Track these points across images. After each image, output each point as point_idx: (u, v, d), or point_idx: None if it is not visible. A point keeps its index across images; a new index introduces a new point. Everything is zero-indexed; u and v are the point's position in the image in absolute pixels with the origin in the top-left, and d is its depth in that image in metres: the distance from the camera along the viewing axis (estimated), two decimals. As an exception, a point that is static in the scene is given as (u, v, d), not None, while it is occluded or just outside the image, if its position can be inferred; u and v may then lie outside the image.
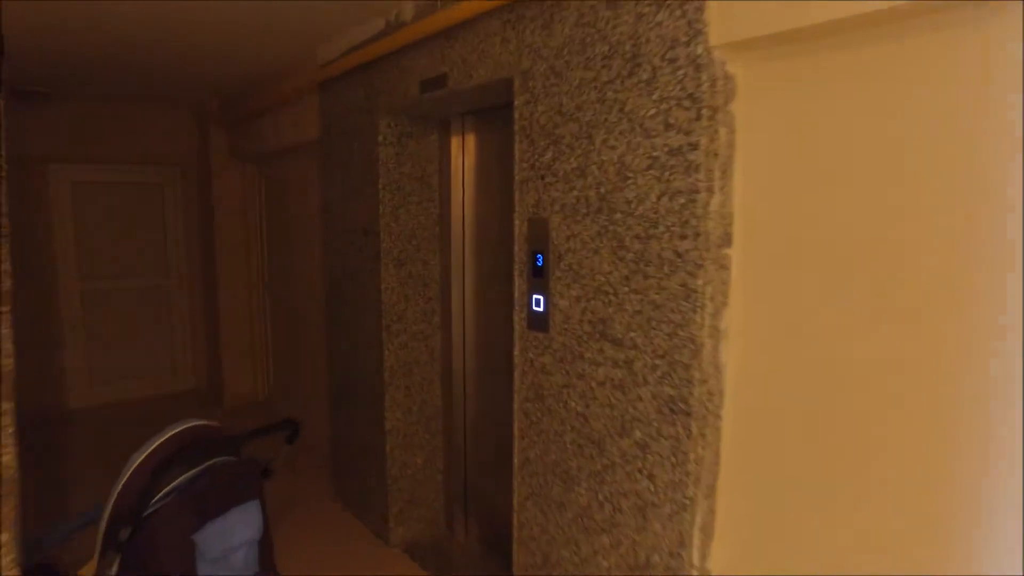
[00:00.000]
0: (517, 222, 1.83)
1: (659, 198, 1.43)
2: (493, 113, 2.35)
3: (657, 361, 1.47)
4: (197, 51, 3.02)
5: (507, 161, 2.28)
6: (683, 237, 1.39)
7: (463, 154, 2.52)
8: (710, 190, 1.36)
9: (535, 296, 1.78)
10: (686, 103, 1.36)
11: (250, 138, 4.10)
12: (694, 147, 1.36)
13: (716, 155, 1.35)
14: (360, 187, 2.65)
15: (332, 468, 3.17)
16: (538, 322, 1.78)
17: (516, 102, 1.80)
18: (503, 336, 2.42)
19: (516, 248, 1.84)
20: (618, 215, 1.53)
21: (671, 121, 1.40)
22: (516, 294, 1.85)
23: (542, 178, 1.73)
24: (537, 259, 1.76)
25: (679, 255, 1.40)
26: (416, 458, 2.73)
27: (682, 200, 1.39)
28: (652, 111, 1.43)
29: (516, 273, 1.85)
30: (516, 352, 1.88)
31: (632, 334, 1.52)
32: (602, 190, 1.56)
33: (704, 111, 1.33)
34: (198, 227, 4.94)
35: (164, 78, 3.67)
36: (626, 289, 1.53)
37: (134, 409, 4.65)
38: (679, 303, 1.41)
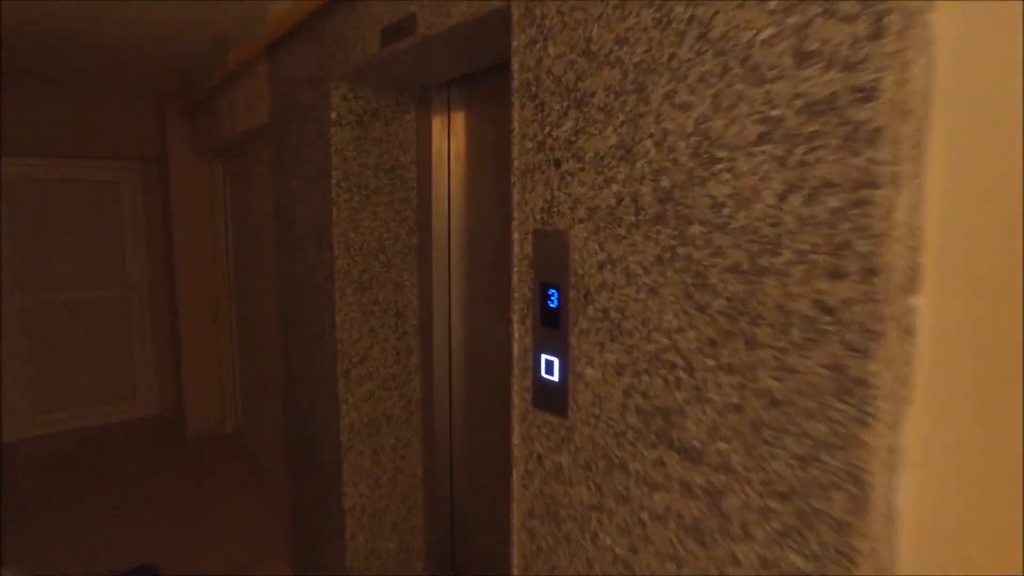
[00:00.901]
0: (516, 236, 1.14)
1: (784, 197, 0.74)
2: (490, 79, 1.66)
3: (773, 504, 0.78)
4: (142, 22, 2.36)
5: (510, 146, 1.59)
6: (838, 274, 0.70)
7: (449, 138, 1.84)
8: (896, 182, 0.66)
9: (544, 356, 1.10)
10: (847, 4, 0.67)
11: (208, 126, 3.44)
12: (865, 94, 0.66)
13: (906, 112, 0.66)
14: (311, 183, 1.98)
15: (292, 548, 2.50)
16: (550, 399, 1.10)
17: (515, 43, 1.12)
18: (506, 383, 1.73)
19: (514, 278, 1.15)
20: (696, 228, 0.84)
21: (811, 45, 0.70)
22: (515, 350, 1.17)
23: (556, 164, 1.04)
24: (548, 297, 1.08)
25: (827, 309, 0.71)
26: (388, 543, 2.05)
27: (837, 201, 0.70)
28: (770, 29, 0.74)
29: (515, 318, 1.16)
30: (515, 440, 1.19)
31: (722, 445, 0.84)
32: (665, 183, 0.87)
33: (889, 22, 0.64)
34: (161, 230, 4.29)
35: (116, 60, 3.03)
36: (711, 363, 0.84)
37: (84, 441, 4.02)
38: (826, 401, 0.72)
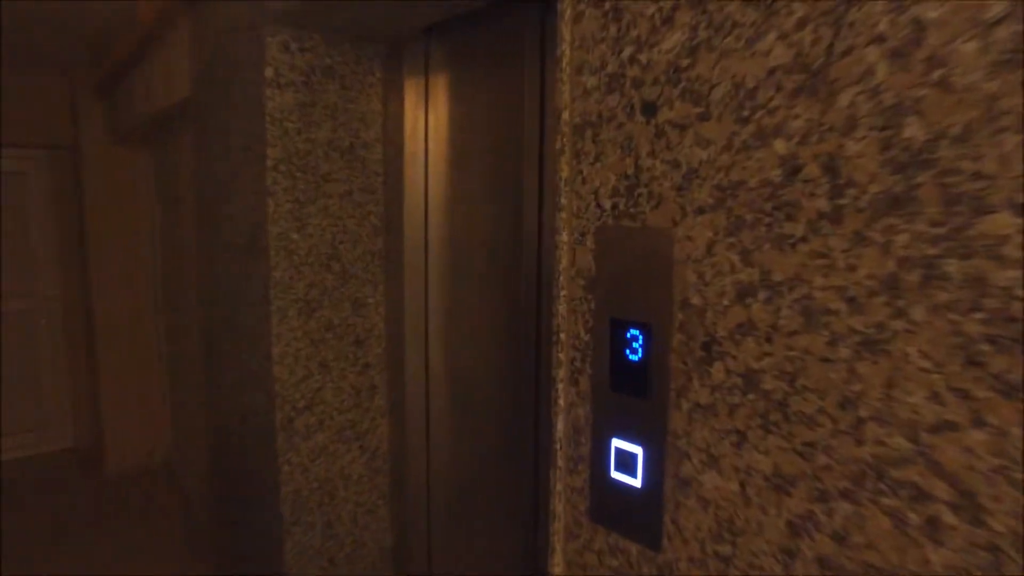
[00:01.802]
0: (563, 238, 0.68)
1: None
2: (485, 25, 1.20)
3: None
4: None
5: (515, 115, 1.14)
6: None
7: (427, 108, 1.37)
8: None
9: (617, 443, 0.65)
10: None
11: (125, 106, 2.88)
12: None
13: None
14: (240, 168, 1.49)
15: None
16: (625, 513, 0.65)
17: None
18: (512, 440, 1.28)
19: (559, 309, 0.70)
20: (1004, 217, 0.40)
21: None
22: (559, 427, 0.71)
23: (648, 111, 0.59)
24: (627, 343, 0.63)
25: None
26: (345, 641, 1.56)
27: None
28: None
29: (558, 373, 0.70)
30: (555, 571, 0.73)
31: (1054, 675, 0.40)
32: (914, 131, 0.43)
33: None
34: (76, 232, 3.67)
35: (15, 23, 2.45)
36: (1033, 504, 0.40)
37: (-24, 482, 3.37)
38: None
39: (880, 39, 0.44)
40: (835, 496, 0.49)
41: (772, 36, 0.49)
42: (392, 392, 1.54)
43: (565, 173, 0.67)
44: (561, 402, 0.70)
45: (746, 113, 0.51)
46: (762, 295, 0.52)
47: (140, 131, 2.96)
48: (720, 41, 0.53)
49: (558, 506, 0.72)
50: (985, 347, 0.41)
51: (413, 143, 1.40)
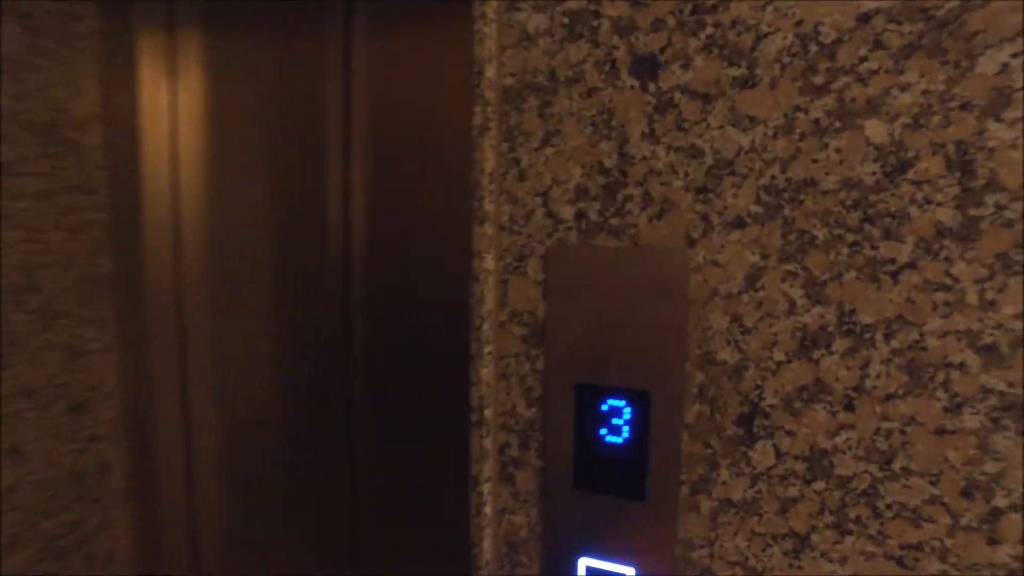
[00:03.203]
0: (481, 265, 0.45)
1: None
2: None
3: None
4: None
5: (313, 89, 0.84)
6: None
7: (176, 76, 0.97)
8: None
9: (589, 562, 0.44)
10: None
11: None
12: None
13: None
14: None
15: None
16: (606, 663, 0.44)
17: None
18: (308, 520, 0.96)
19: (481, 369, 0.46)
20: None
21: None
22: (484, 544, 0.48)
23: (648, 70, 0.40)
24: (603, 419, 0.42)
25: None
26: None
27: None
28: None
29: (484, 465, 0.47)
30: None
31: None
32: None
33: None
34: None
35: None
36: None
37: None
38: None
39: (1048, -23, 0.30)
40: (957, 621, 0.35)
41: (866, -35, 0.33)
42: (134, 470, 1.10)
43: (489, 163, 0.43)
44: (487, 509, 0.47)
45: (820, 79, 0.35)
46: (841, 344, 0.36)
47: None
48: (777, -33, 0.35)
49: (486, 660, 0.48)
50: None
51: (154, 126, 1.00)
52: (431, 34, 0.65)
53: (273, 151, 0.92)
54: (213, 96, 0.97)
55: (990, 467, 0.34)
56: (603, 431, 0.43)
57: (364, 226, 0.81)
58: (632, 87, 0.39)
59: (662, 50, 0.38)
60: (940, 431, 0.35)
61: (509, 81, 0.43)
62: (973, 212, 0.33)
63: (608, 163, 0.41)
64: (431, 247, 0.68)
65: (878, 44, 0.33)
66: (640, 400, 0.41)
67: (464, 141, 0.58)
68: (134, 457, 1.16)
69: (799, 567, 0.39)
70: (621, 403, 0.42)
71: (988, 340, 0.33)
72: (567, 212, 0.42)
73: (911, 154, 0.33)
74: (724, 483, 0.40)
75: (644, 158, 0.39)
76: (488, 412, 0.46)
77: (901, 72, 0.33)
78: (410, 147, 0.72)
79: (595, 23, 0.40)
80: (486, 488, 0.47)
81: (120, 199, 1.10)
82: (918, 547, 0.36)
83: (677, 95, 0.38)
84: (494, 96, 0.43)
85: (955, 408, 0.34)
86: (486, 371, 0.46)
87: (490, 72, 0.43)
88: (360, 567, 0.85)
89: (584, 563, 0.44)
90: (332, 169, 0.84)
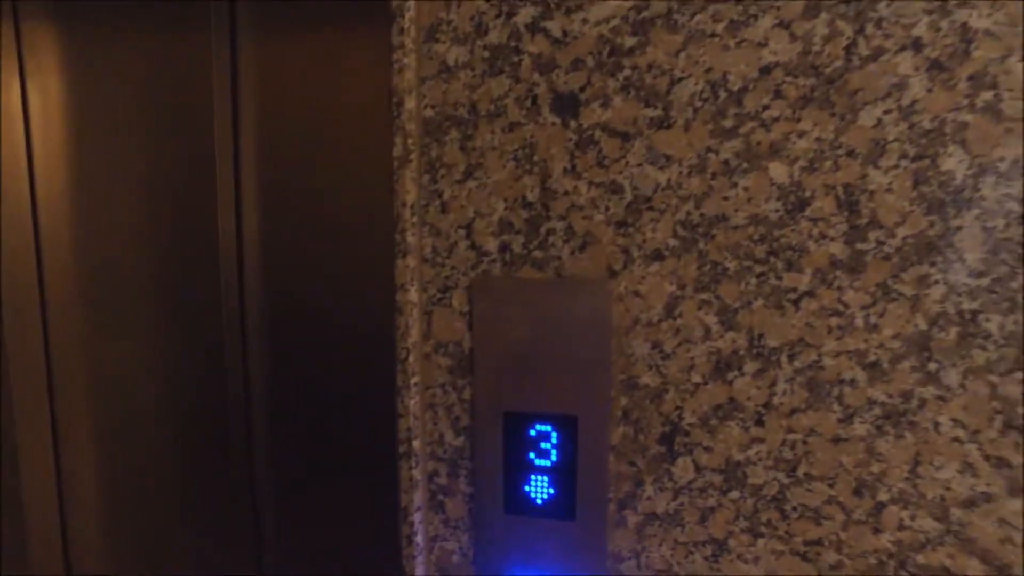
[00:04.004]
0: (414, 296, 0.44)
1: None
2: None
3: None
4: None
5: (197, 94, 0.78)
6: None
7: (23, 78, 0.85)
8: None
9: (526, 584, 0.45)
10: None
11: None
12: None
13: None
14: None
15: None
16: None
17: None
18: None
19: (408, 401, 0.45)
20: None
21: None
22: (416, 573, 0.47)
23: (569, 108, 0.40)
24: (533, 444, 0.43)
25: None
26: None
27: None
28: None
29: (413, 496, 0.46)
30: None
31: None
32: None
33: None
34: None
35: None
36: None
37: None
38: None
39: (916, 44, 0.35)
40: (855, 604, 0.40)
41: (768, 22, 0.36)
42: (-19, 521, 0.96)
43: (411, 195, 0.43)
44: (418, 539, 0.46)
45: (728, 123, 0.37)
46: (751, 366, 0.39)
47: None
48: (688, 18, 0.37)
49: None
50: None
51: (8, 139, 0.87)
52: (327, 36, 0.62)
53: (153, 160, 0.84)
54: (73, 99, 0.87)
55: (875, 468, 0.39)
56: (532, 455, 0.44)
57: (258, 239, 0.76)
58: (553, 123, 0.40)
59: (582, 89, 0.39)
60: (836, 439, 0.39)
61: (429, 113, 0.42)
62: (859, 246, 0.37)
63: (531, 197, 0.41)
64: (330, 260, 0.65)
65: (778, 94, 0.37)
66: (567, 425, 0.43)
67: (362, 151, 0.56)
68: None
69: (718, 569, 0.42)
70: (548, 428, 0.43)
71: (872, 358, 0.38)
72: (491, 244, 0.42)
73: (808, 194, 0.37)
74: (649, 498, 0.42)
75: (566, 193, 0.41)
76: (416, 443, 0.45)
77: (798, 120, 0.37)
78: (307, 154, 0.68)
79: (516, 59, 0.40)
80: (415, 518, 0.46)
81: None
82: (818, 542, 0.40)
83: (597, 133, 0.39)
84: (415, 128, 0.42)
85: (847, 419, 0.39)
86: (413, 402, 0.45)
87: (410, 103, 0.42)
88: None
89: (511, 586, 0.45)
90: (223, 179, 0.78)
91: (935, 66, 0.35)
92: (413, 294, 0.44)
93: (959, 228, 0.36)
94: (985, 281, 0.36)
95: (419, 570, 0.47)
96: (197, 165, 0.79)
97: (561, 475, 0.44)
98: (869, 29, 0.35)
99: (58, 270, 0.93)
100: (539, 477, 0.44)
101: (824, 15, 0.36)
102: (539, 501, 0.44)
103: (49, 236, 0.94)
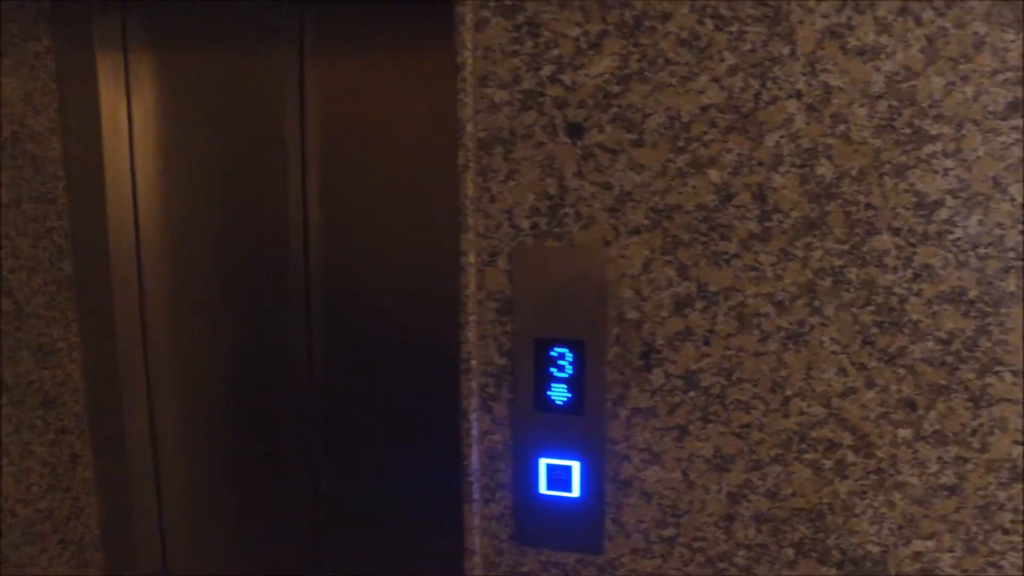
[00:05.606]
0: (468, 259, 0.64)
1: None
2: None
3: (1013, 615, 0.56)
4: None
5: (268, 111, 0.99)
6: None
7: (129, 93, 1.07)
8: None
9: (548, 462, 0.65)
10: None
11: None
12: None
13: None
14: None
15: None
16: (560, 528, 0.65)
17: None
18: (276, 504, 1.12)
19: (468, 333, 0.65)
20: (885, 239, 0.55)
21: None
22: (473, 459, 0.67)
23: (574, 133, 0.60)
24: (553, 362, 0.63)
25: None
26: None
27: None
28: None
29: (469, 402, 0.66)
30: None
31: (923, 545, 0.58)
32: (825, 171, 0.55)
33: None
34: None
35: None
36: (907, 433, 0.56)
37: None
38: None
39: (798, 94, 0.54)
40: (767, 463, 0.60)
41: (705, 78, 0.56)
42: (101, 460, 1.19)
43: (470, 191, 0.63)
44: (474, 432, 0.67)
45: (681, 143, 0.57)
46: (700, 305, 0.59)
47: None
48: (654, 75, 0.57)
49: (474, 538, 0.68)
50: (874, 330, 0.56)
51: (113, 139, 1.09)
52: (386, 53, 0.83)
53: (231, 162, 1.06)
54: (169, 105, 1.09)
55: (783, 372, 0.58)
56: (553, 370, 0.64)
57: (321, 232, 0.98)
58: (566, 143, 0.60)
59: (585, 120, 0.59)
60: (756, 354, 0.59)
61: (482, 135, 0.62)
62: (767, 224, 0.56)
63: (552, 192, 0.61)
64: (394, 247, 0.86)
65: (713, 124, 0.56)
66: (578, 348, 0.63)
67: (417, 156, 0.77)
68: (100, 450, 1.26)
69: (682, 447, 0.62)
70: (565, 350, 0.63)
71: (779, 298, 0.57)
72: (525, 224, 0.62)
73: (734, 190, 0.57)
74: (634, 398, 0.62)
75: (575, 189, 0.60)
76: (473, 362, 0.66)
77: (726, 142, 0.56)
78: (365, 157, 0.89)
79: (541, 99, 0.60)
80: (473, 417, 0.66)
81: (78, 208, 1.19)
82: (748, 425, 0.60)
83: (596, 149, 0.59)
84: (472, 145, 0.62)
85: (764, 339, 0.58)
86: (471, 333, 0.65)
87: (469, 128, 0.62)
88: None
89: (544, 462, 0.65)
90: (292, 179, 1.00)
91: (810, 108, 0.54)
92: (471, 258, 0.64)
93: (829, 212, 0.55)
94: (847, 246, 0.55)
95: (475, 456, 0.67)
96: (268, 165, 1.01)
97: (574, 383, 0.63)
98: (769, 84, 0.55)
99: (155, 256, 1.16)
100: (559, 385, 0.64)
101: (741, 73, 0.55)
102: (559, 402, 0.64)
103: (146, 227, 1.17)
